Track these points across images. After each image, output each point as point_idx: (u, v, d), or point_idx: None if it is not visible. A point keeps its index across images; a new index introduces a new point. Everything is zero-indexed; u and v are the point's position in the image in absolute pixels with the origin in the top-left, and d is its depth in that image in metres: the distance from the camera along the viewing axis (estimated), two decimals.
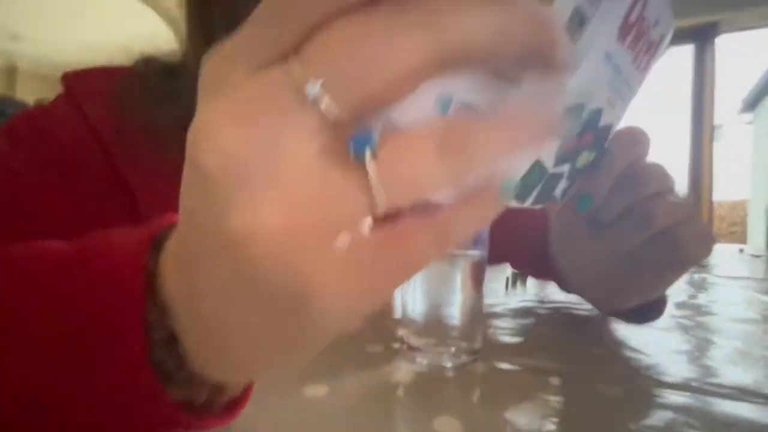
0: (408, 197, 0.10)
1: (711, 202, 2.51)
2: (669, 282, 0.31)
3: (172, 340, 0.14)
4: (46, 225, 0.33)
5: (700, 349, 0.33)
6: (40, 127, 0.35)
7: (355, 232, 0.10)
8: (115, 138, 0.36)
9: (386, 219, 0.10)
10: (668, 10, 0.20)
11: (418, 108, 0.10)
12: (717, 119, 2.43)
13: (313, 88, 0.09)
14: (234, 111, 0.10)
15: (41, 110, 0.37)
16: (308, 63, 0.10)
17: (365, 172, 0.10)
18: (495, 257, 0.54)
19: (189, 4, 0.39)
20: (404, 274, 0.11)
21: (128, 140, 0.36)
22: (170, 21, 1.78)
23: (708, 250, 0.27)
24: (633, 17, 0.18)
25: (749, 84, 4.73)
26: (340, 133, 0.10)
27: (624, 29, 0.18)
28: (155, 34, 0.46)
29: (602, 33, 0.17)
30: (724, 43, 2.42)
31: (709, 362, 0.30)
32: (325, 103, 0.09)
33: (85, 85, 0.38)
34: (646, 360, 0.30)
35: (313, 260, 0.10)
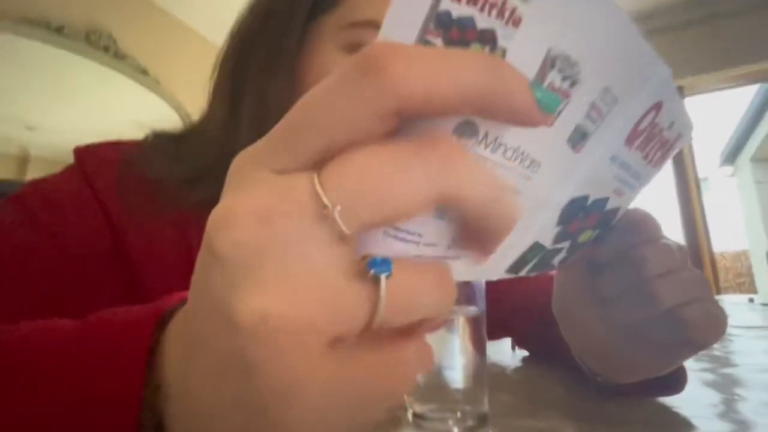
0: (403, 319, 0.12)
1: (712, 253, 2.50)
2: (677, 361, 0.27)
3: (159, 424, 0.14)
4: (49, 295, 0.32)
5: (727, 402, 0.31)
6: (49, 199, 0.36)
7: (348, 341, 0.11)
8: (119, 205, 0.37)
9: (375, 335, 0.12)
10: (684, 112, 0.20)
11: (419, 218, 0.12)
12: (701, 172, 2.51)
13: (329, 209, 0.11)
14: (254, 205, 0.11)
15: (51, 182, 0.38)
16: (326, 185, 0.11)
17: (374, 290, 0.11)
18: (496, 330, 0.51)
19: (221, 79, 0.41)
20: (388, 394, 0.12)
21: (131, 202, 0.37)
22: (176, 106, 1.92)
23: (719, 333, 0.24)
24: (643, 125, 0.18)
25: (725, 138, 4.98)
26: (348, 244, 0.11)
27: (632, 136, 0.18)
28: (163, 120, 0.49)
29: (606, 142, 0.17)
30: (693, 104, 2.59)
31: (740, 416, 0.27)
32: (338, 224, 0.11)
33: (95, 156, 0.39)
34: (670, 416, 0.27)
35: (306, 359, 0.11)
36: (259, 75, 0.38)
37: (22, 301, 0.31)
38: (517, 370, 0.44)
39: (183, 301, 0.15)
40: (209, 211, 0.12)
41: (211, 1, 1.99)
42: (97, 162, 0.39)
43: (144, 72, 1.87)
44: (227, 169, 0.13)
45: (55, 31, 1.56)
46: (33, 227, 0.34)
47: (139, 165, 0.38)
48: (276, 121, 0.12)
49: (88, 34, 1.67)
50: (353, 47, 0.37)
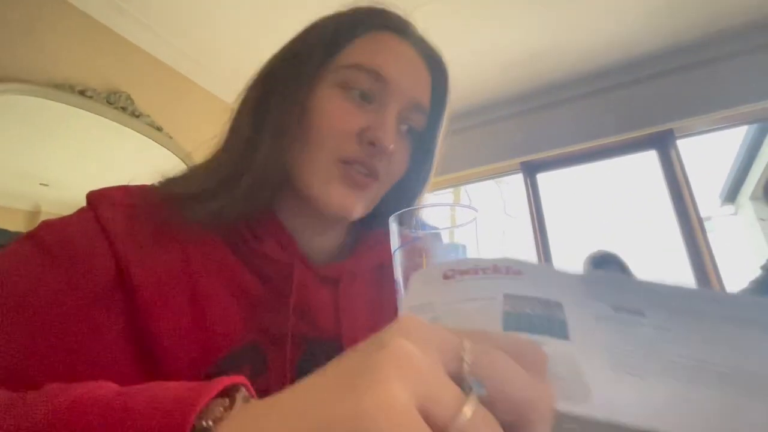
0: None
1: (723, 291, 2.44)
2: None
3: None
4: (58, 328, 0.33)
5: None
6: (61, 237, 0.38)
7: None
8: (126, 243, 0.38)
9: None
10: None
11: None
12: (703, 212, 2.52)
13: (473, 387, 0.17)
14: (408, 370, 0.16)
15: (64, 222, 0.41)
16: (475, 370, 0.17)
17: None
18: None
19: (247, 101, 0.50)
20: None
21: (139, 242, 0.38)
22: (185, 158, 1.99)
23: None
24: None
25: (722, 179, 5.05)
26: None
27: None
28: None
29: None
30: (687, 145, 2.66)
31: None
32: (473, 398, 0.16)
33: (104, 197, 0.43)
34: None
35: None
36: (281, 100, 0.47)
37: (33, 333, 0.32)
38: None
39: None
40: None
41: (219, 62, 2.15)
42: (107, 204, 0.42)
43: (158, 129, 1.97)
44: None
45: (79, 93, 1.67)
46: (46, 262, 0.35)
47: (145, 207, 0.41)
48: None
49: (109, 96, 1.79)
50: (340, 84, 0.47)
